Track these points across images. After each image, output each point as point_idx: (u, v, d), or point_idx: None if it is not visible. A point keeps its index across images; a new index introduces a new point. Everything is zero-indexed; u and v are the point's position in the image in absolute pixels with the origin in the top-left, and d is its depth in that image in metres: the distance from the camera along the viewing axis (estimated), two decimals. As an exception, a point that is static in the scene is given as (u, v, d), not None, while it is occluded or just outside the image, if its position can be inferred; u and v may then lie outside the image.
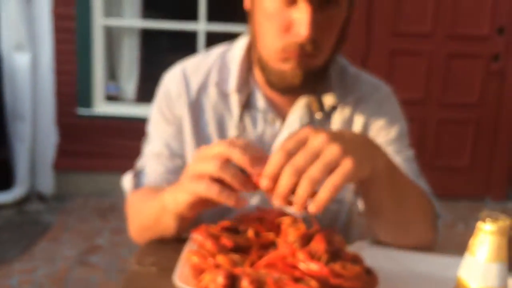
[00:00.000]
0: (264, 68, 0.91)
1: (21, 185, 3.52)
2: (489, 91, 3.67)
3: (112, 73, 3.87)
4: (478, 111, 3.72)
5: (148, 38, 4.00)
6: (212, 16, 3.60)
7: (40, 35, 3.52)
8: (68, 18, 3.52)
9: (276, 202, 0.66)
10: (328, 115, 0.99)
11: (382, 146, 0.92)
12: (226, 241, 0.73)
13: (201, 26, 3.59)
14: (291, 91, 0.92)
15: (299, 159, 0.64)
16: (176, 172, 0.96)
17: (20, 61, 3.45)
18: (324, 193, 0.64)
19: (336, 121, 0.99)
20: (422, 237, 0.90)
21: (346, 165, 0.65)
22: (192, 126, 0.98)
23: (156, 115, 1.01)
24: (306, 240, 0.71)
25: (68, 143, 3.66)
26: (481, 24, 3.59)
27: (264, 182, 0.66)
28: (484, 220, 0.58)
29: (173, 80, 1.00)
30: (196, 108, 0.98)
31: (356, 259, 0.71)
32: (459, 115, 3.72)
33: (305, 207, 0.65)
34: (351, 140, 0.69)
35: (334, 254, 0.69)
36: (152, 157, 0.98)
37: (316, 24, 0.81)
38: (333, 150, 0.65)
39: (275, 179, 0.65)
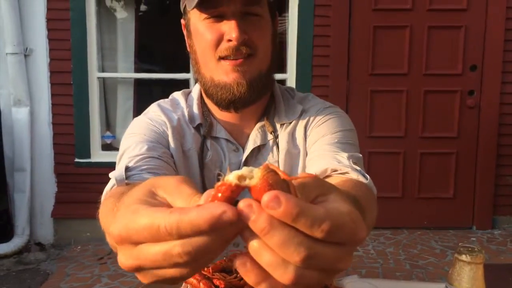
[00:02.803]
0: (211, 92, 0.98)
1: (20, 235, 3.55)
2: (466, 125, 3.85)
3: (107, 123, 3.97)
4: (458, 144, 3.88)
5: (141, 87, 4.11)
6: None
7: (37, 90, 3.66)
8: (64, 72, 3.65)
9: None
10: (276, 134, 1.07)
11: (320, 140, 0.99)
12: (219, 282, 0.75)
13: (191, 74, 3.75)
14: (241, 104, 0.98)
15: None
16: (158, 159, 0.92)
17: (18, 115, 3.56)
18: None
19: (283, 138, 1.06)
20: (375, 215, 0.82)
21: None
22: (177, 145, 1.01)
23: (133, 134, 0.99)
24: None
25: (66, 192, 3.72)
26: (454, 63, 3.79)
27: None
28: (460, 252, 0.61)
29: (154, 114, 1.04)
30: (179, 132, 1.03)
31: (345, 295, 0.73)
32: (440, 148, 3.88)
33: None
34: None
35: (323, 291, 0.71)
36: (135, 157, 0.91)
37: (243, 29, 0.92)
38: None
39: None
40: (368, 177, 0.85)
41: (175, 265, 0.38)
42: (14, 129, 3.56)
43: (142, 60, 4.19)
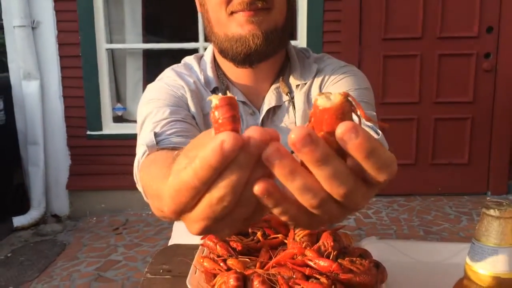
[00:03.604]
0: (226, 47, 0.93)
1: (36, 207, 3.60)
2: (482, 89, 3.76)
3: (118, 95, 3.95)
4: (473, 109, 3.80)
5: (150, 58, 4.07)
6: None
7: (47, 63, 3.63)
8: (72, 44, 3.62)
9: None
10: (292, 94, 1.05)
11: None
12: (236, 244, 0.74)
13: (200, 44, 3.71)
14: (257, 58, 0.94)
15: None
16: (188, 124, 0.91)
17: (29, 89, 3.54)
18: None
19: (299, 98, 1.03)
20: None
21: None
22: (197, 109, 0.99)
23: (152, 100, 0.97)
24: (313, 238, 0.72)
25: (80, 164, 3.75)
26: (470, 25, 3.68)
27: None
28: (488, 207, 0.58)
29: (170, 79, 1.02)
30: (198, 95, 1.01)
31: (364, 254, 0.71)
32: (454, 113, 3.80)
33: None
34: None
35: (342, 251, 0.70)
36: (160, 122, 0.89)
37: None
38: None
39: None
40: (380, 132, 0.86)
41: (229, 208, 0.37)
42: (25, 103, 3.57)
43: (150, 31, 4.14)
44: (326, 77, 1.03)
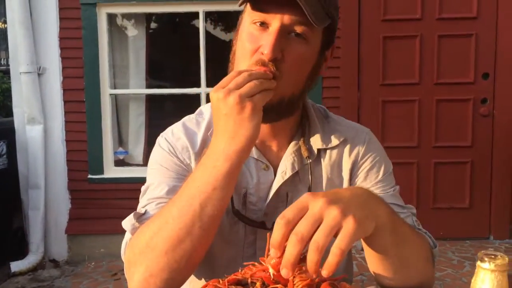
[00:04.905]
0: None
1: (35, 252, 3.56)
2: (480, 133, 3.81)
3: (120, 139, 4.01)
4: (472, 153, 3.83)
5: (153, 103, 4.15)
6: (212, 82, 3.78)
7: (51, 108, 3.71)
8: (77, 90, 3.70)
9: (284, 272, 0.66)
10: (317, 158, 1.03)
11: (372, 187, 0.96)
12: (235, 294, 0.74)
13: (203, 89, 3.78)
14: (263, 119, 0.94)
15: (301, 227, 0.65)
16: None
17: (32, 133, 3.60)
18: (332, 258, 0.64)
19: (326, 165, 1.03)
20: (424, 273, 0.91)
21: (348, 225, 0.65)
22: None
23: (157, 169, 1.00)
24: (313, 289, 0.72)
25: (80, 208, 3.74)
26: (466, 71, 3.76)
27: (271, 252, 0.67)
28: (482, 259, 0.59)
29: (176, 137, 1.03)
30: (203, 150, 1.00)
31: (363, 305, 0.71)
32: (454, 157, 3.83)
33: (317, 272, 0.65)
34: (350, 199, 0.70)
35: (341, 302, 0.70)
36: (154, 200, 0.95)
37: (281, 47, 0.87)
38: (333, 213, 0.65)
39: (282, 248, 0.66)
40: (437, 245, 1.01)
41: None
42: (28, 147, 3.60)
43: (153, 76, 4.24)
44: (355, 152, 1.04)
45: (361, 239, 0.81)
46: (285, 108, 0.94)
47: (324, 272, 0.64)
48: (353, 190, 0.76)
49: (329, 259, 0.64)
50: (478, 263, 0.60)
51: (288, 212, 0.67)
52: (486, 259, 0.59)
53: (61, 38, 3.66)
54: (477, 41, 3.72)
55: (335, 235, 0.65)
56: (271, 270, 0.69)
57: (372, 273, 0.91)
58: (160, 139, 1.04)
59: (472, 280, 0.61)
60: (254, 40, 0.89)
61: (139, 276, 0.83)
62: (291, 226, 0.66)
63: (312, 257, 0.64)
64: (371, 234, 0.73)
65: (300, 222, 0.66)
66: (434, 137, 3.80)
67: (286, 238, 0.66)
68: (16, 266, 3.43)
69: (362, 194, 0.74)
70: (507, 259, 0.60)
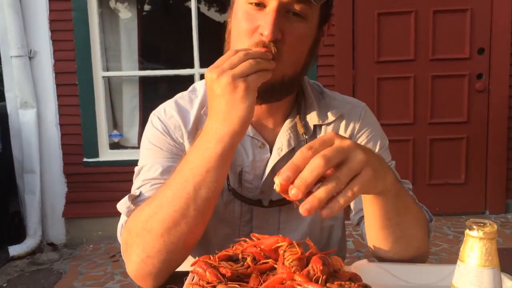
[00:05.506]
0: None
1: (32, 236, 3.57)
2: (476, 109, 3.80)
3: (114, 121, 3.98)
4: (468, 129, 3.82)
5: (146, 85, 4.12)
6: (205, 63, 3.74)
7: (43, 92, 3.67)
8: (69, 73, 3.66)
9: (294, 192, 0.62)
10: (313, 135, 1.03)
11: None
12: (225, 270, 0.74)
13: (196, 70, 3.75)
14: (259, 100, 0.89)
15: (329, 152, 0.63)
16: None
17: (25, 117, 3.57)
18: (342, 198, 0.63)
19: None
20: (421, 245, 0.92)
21: (366, 174, 0.65)
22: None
23: (151, 149, 1.00)
24: (303, 262, 0.72)
25: (76, 192, 3.74)
26: (461, 47, 3.73)
27: (284, 175, 0.62)
28: (471, 227, 0.59)
29: (168, 115, 1.02)
30: (195, 136, 0.99)
31: (354, 278, 0.71)
32: (450, 134, 3.83)
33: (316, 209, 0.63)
34: (372, 153, 0.71)
35: (332, 275, 0.70)
36: (148, 181, 0.95)
37: (280, 28, 0.85)
38: (359, 157, 0.65)
39: (298, 172, 0.63)
40: (433, 219, 1.00)
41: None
42: (22, 132, 3.58)
43: (146, 58, 4.19)
44: (351, 127, 1.04)
45: (365, 204, 0.83)
46: (287, 87, 0.94)
47: (326, 212, 0.63)
48: (370, 149, 0.78)
49: (338, 199, 0.63)
50: (467, 231, 0.60)
51: (315, 143, 0.66)
52: (474, 227, 0.59)
53: (51, 21, 3.61)
54: (472, 16, 3.69)
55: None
56: (277, 182, 0.64)
57: (371, 247, 0.91)
58: (153, 117, 1.03)
59: (461, 248, 0.60)
60: (251, 20, 0.88)
61: (136, 257, 0.84)
62: (316, 153, 0.63)
63: (328, 188, 0.62)
64: (377, 196, 0.75)
65: (328, 149, 0.64)
66: (429, 113, 3.80)
67: (306, 163, 0.63)
68: (14, 250, 3.44)
69: (378, 155, 0.76)
70: (495, 226, 0.59)
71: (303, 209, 0.61)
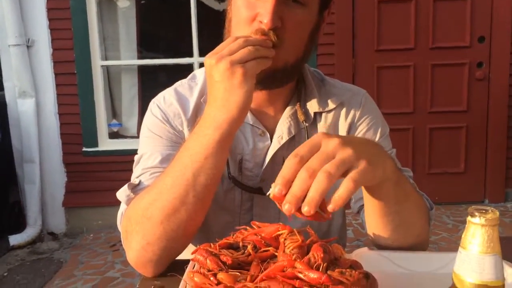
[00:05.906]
0: None
1: (33, 225, 3.58)
2: (476, 98, 3.79)
3: (113, 111, 3.97)
4: (468, 117, 3.82)
5: (145, 74, 4.10)
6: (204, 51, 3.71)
7: (42, 81, 3.65)
8: (68, 62, 3.64)
9: (287, 207, 0.64)
10: (313, 122, 1.03)
11: None
12: (226, 258, 0.74)
13: (195, 59, 3.72)
14: (260, 87, 0.92)
15: (313, 162, 0.64)
16: None
17: (24, 107, 3.56)
18: (343, 190, 0.63)
19: (322, 128, 1.03)
20: (421, 233, 0.92)
21: (362, 164, 0.66)
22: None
23: (150, 137, 0.99)
24: (304, 250, 0.72)
25: (76, 181, 3.74)
26: (461, 35, 3.71)
27: (276, 189, 0.65)
28: (473, 214, 0.59)
29: (168, 103, 1.01)
30: (194, 124, 0.98)
31: (354, 265, 0.71)
32: (449, 122, 3.82)
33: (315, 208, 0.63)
34: (364, 144, 0.71)
35: (332, 262, 0.70)
36: (148, 170, 0.95)
37: (279, 16, 0.85)
38: (347, 152, 0.65)
39: (289, 185, 0.64)
40: (434, 207, 0.99)
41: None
42: (21, 121, 3.58)
43: (145, 47, 4.17)
44: (351, 114, 1.04)
45: (365, 193, 0.82)
46: (288, 74, 0.94)
47: (331, 207, 0.63)
48: (365, 139, 0.80)
49: (340, 191, 0.64)
50: (469, 218, 0.59)
51: (301, 149, 0.66)
52: (476, 213, 0.59)
53: (49, 9, 3.58)
54: (472, 4, 3.66)
55: (344, 175, 0.65)
56: (271, 191, 0.66)
57: (371, 235, 0.91)
58: (152, 105, 1.03)
59: (463, 235, 0.60)
60: (250, 7, 0.87)
61: (136, 244, 0.84)
62: (304, 163, 0.64)
63: (320, 186, 0.62)
64: (377, 184, 0.74)
65: (312, 158, 0.65)
66: (429, 102, 3.79)
67: (295, 175, 0.64)
68: (14, 239, 3.45)
69: (374, 143, 0.77)
70: (497, 213, 0.59)
71: (305, 211, 0.63)
